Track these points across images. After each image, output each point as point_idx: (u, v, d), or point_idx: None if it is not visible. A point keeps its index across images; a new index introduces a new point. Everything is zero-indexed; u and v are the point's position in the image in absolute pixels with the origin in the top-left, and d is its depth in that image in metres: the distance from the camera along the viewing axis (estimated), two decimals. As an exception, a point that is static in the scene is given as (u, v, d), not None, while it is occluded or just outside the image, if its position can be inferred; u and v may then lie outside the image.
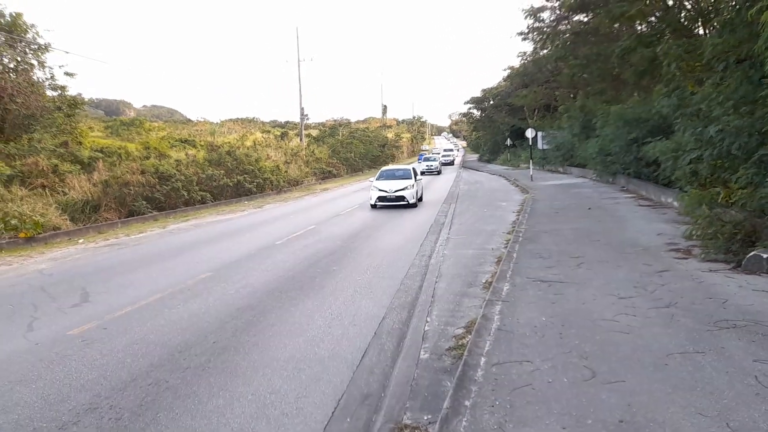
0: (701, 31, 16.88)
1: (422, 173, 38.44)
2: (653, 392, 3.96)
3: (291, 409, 4.32)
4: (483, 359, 4.77)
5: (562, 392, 4.04)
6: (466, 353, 4.93)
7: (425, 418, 4.03)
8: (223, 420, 4.17)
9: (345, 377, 4.92)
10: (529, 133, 31.62)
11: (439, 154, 66.04)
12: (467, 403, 3.97)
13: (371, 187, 20.10)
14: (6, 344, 6.20)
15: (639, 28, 19.11)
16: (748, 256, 7.39)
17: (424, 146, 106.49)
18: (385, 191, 19.38)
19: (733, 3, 11.01)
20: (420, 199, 21.11)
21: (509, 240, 10.98)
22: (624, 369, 4.39)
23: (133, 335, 6.29)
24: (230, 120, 72.32)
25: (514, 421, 3.65)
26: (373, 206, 19.45)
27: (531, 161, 32.66)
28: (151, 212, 19.98)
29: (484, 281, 7.97)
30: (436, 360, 5.14)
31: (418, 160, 54.54)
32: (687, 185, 11.20)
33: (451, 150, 76.15)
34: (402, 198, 19.29)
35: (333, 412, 4.26)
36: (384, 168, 23.72)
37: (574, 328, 5.44)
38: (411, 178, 20.31)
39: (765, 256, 7.14)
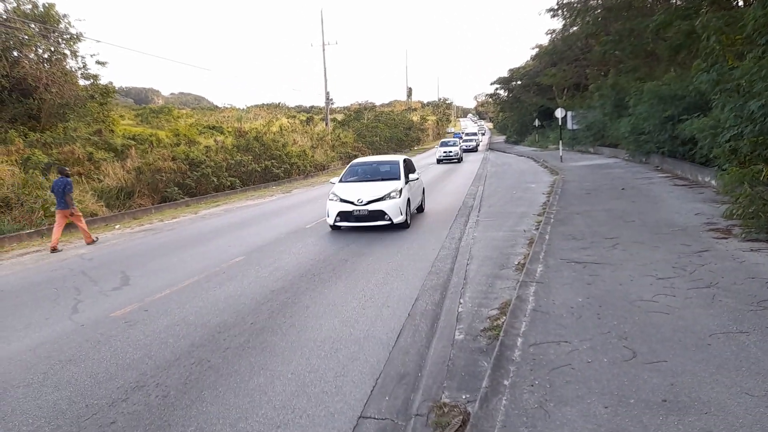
0: (740, 3, 16.23)
1: (439, 161, 36.73)
2: (696, 372, 3.90)
3: (330, 388, 4.40)
4: (520, 340, 4.76)
5: (602, 372, 4.01)
6: (502, 334, 4.92)
7: (464, 397, 4.06)
8: (265, 398, 4.28)
9: (381, 357, 4.97)
10: (559, 113, 30.99)
11: (460, 138, 55.41)
12: (506, 382, 3.98)
13: (330, 194, 12.19)
14: (54, 326, 6.45)
15: (674, 1, 18.48)
16: (792, 235, 7.15)
17: (450, 129, 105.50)
18: (351, 202, 11.59)
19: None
20: (420, 209, 14.19)
21: (540, 222, 10.85)
22: (665, 349, 4.33)
23: (173, 317, 6.46)
24: (256, 106, 72.96)
25: (554, 400, 3.64)
26: (333, 227, 12.02)
27: (561, 142, 32.07)
28: (182, 198, 20.37)
29: (516, 263, 7.91)
30: (471, 341, 5.15)
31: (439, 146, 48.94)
32: (726, 163, 10.85)
33: (474, 134, 65.44)
34: (377, 215, 11.48)
35: (371, 391, 4.32)
36: (356, 161, 14.56)
37: (612, 309, 5.37)
38: (398, 179, 12.49)
39: (811, 235, 6.90)
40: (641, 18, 20.50)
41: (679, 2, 17.94)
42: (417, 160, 39.77)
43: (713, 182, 13.30)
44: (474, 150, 53.29)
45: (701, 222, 9.43)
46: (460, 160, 37.67)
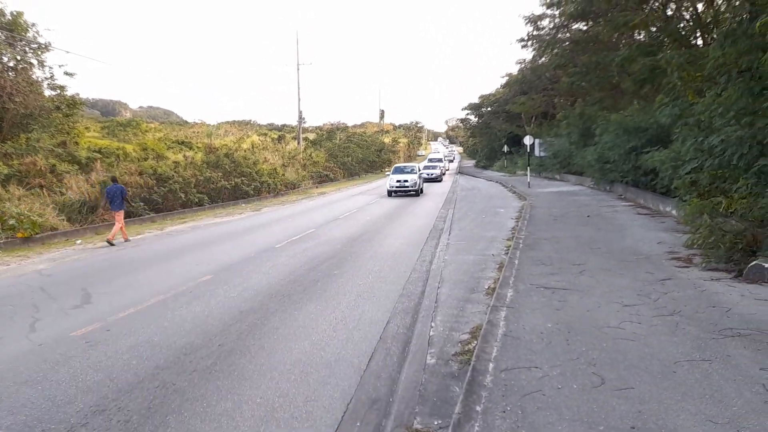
0: (699, 42, 17.07)
1: (390, 193, 28.00)
2: (663, 399, 3.98)
3: (300, 413, 4.32)
4: (491, 365, 4.79)
5: (573, 398, 4.06)
6: (473, 359, 4.94)
7: (435, 423, 4.04)
8: (233, 423, 4.16)
9: (353, 381, 4.91)
10: (527, 140, 31.77)
11: (421, 165, 39.79)
12: (478, 408, 3.98)
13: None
14: (9, 345, 6.16)
15: (638, 37, 19.31)
16: (749, 265, 7.44)
17: (420, 151, 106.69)
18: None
19: (734, 15, 11.14)
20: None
21: (510, 246, 11.01)
22: (632, 376, 4.41)
23: (137, 337, 6.26)
24: (227, 122, 72.48)
25: (526, 427, 3.66)
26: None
27: (528, 168, 32.80)
28: (148, 214, 19.92)
29: (486, 287, 7.98)
30: (443, 365, 5.14)
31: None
32: (686, 194, 11.28)
33: (439, 160, 49.95)
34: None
35: (342, 417, 4.26)
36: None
37: (581, 335, 5.46)
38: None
39: (766, 265, 7.20)
40: (607, 52, 21.31)
41: (642, 39, 18.73)
42: (364, 190, 36.62)
43: (674, 212, 13.78)
44: (437, 180, 40.55)
45: (664, 251, 9.73)
46: (418, 193, 28.29)
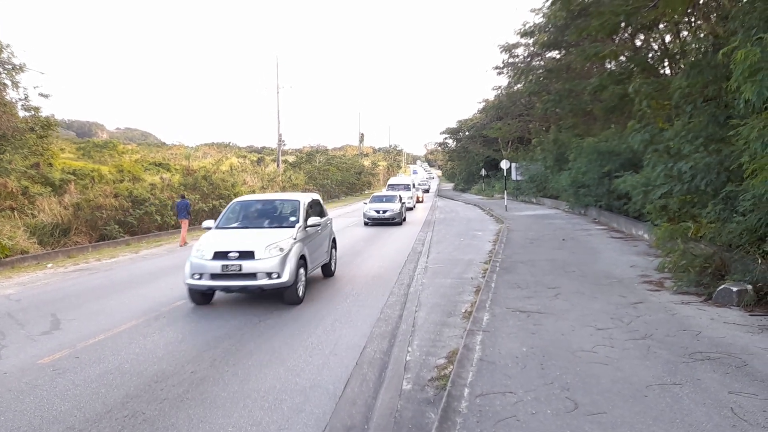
0: (668, 71, 17.69)
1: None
2: (634, 424, 4.02)
3: (273, 442, 4.24)
4: (467, 390, 4.78)
5: (546, 424, 4.07)
6: (449, 384, 4.93)
7: (410, 450, 4.01)
8: (204, 453, 4.07)
9: (327, 408, 4.86)
10: (504, 164, 32.26)
11: (408, 188, 37.02)
12: (453, 435, 3.96)
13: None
14: (-29, 373, 5.94)
15: (609, 66, 19.92)
16: (718, 289, 7.62)
17: (398, 175, 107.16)
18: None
19: (699, 46, 11.62)
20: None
21: (487, 270, 11.09)
22: (605, 400, 4.46)
23: (107, 364, 6.11)
24: (206, 144, 72.05)
25: (500, 454, 3.66)
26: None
27: (505, 192, 33.23)
28: (123, 236, 19.57)
29: (463, 311, 8.01)
30: (419, 391, 5.12)
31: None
32: (657, 219, 11.56)
33: (405, 187, 36.93)
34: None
35: (316, 445, 4.19)
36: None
37: (555, 359, 5.51)
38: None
39: (734, 289, 7.38)
40: (579, 80, 21.95)
41: (613, 68, 19.35)
42: (343, 212, 37.12)
43: (646, 236, 14.07)
44: (393, 220, 24.32)
45: (636, 274, 9.91)
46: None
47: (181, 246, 18.20)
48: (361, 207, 24.08)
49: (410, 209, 33.27)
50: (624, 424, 4.02)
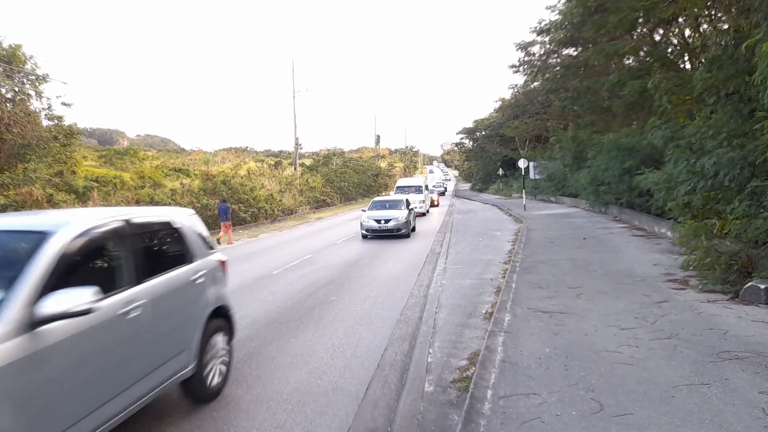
0: (688, 66, 17.39)
1: (366, 235, 19.38)
2: (662, 425, 3.96)
3: (297, 445, 4.26)
4: (489, 392, 4.75)
5: (571, 426, 4.03)
6: (471, 386, 4.91)
7: (434, 452, 3.99)
8: (229, 456, 4.10)
9: (350, 411, 4.87)
10: (522, 163, 32.03)
11: (420, 190, 32.26)
12: (477, 437, 3.94)
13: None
14: None
15: (628, 62, 19.67)
16: (745, 286, 7.46)
17: (411, 176, 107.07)
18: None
19: (720, 40, 11.39)
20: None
21: (506, 270, 11.01)
22: (631, 402, 4.39)
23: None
24: (224, 149, 72.94)
25: (525, 456, 3.62)
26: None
27: (524, 191, 32.98)
28: (145, 242, 19.89)
29: (484, 312, 7.97)
30: (441, 393, 5.11)
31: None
32: (680, 216, 11.35)
33: (417, 189, 32.23)
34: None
35: (340, 447, 4.21)
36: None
37: (578, 359, 5.44)
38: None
39: (762, 286, 7.22)
40: (597, 77, 21.69)
41: (632, 63, 19.10)
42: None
43: (669, 233, 13.84)
44: (398, 232, 19.51)
45: (660, 272, 9.75)
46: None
47: (229, 243, 20.22)
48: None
49: (423, 215, 29.45)
50: (651, 426, 3.96)
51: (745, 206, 8.77)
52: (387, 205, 21.07)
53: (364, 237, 19.51)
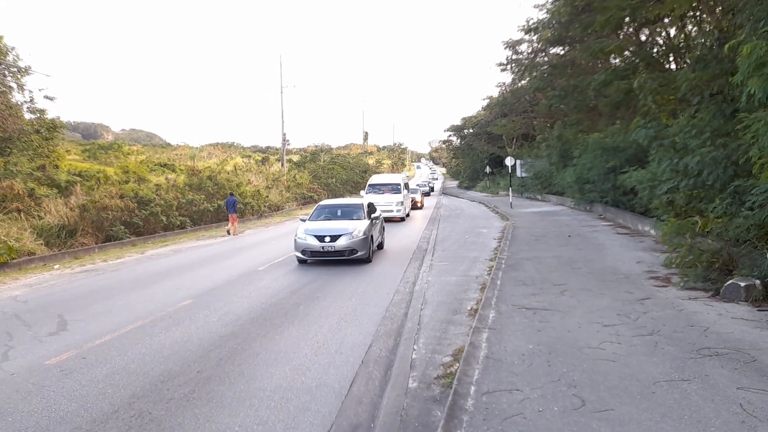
0: (673, 66, 17.56)
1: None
2: (642, 421, 3.99)
3: (279, 441, 4.23)
4: (473, 388, 4.76)
5: (553, 421, 4.05)
6: (455, 382, 4.91)
7: (417, 449, 3.99)
8: (210, 453, 4.06)
9: (333, 407, 4.85)
10: (509, 161, 32.17)
11: (397, 189, 26.21)
12: (459, 433, 3.95)
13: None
14: (-21, 375, 5.95)
15: (614, 61, 19.82)
16: (726, 284, 7.56)
17: (404, 173, 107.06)
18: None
19: (704, 40, 11.52)
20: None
21: (492, 267, 11.06)
22: (612, 397, 4.43)
23: (113, 365, 6.12)
24: (210, 144, 72.30)
25: (507, 452, 3.64)
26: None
27: (510, 189, 33.15)
28: (129, 237, 19.65)
29: (469, 308, 7.99)
30: (425, 389, 5.11)
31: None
32: (664, 214, 11.49)
33: (394, 188, 26.34)
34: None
35: (323, 444, 4.18)
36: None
37: (561, 356, 5.48)
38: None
39: (742, 284, 7.32)
40: (584, 76, 21.83)
41: (618, 63, 19.24)
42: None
43: (652, 231, 13.99)
44: (351, 254, 12.80)
45: (643, 270, 9.85)
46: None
47: (234, 235, 21.65)
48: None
49: (401, 220, 24.83)
50: (632, 421, 3.99)
51: (726, 205, 8.90)
52: (338, 213, 14.60)
53: (302, 262, 13.18)
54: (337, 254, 12.76)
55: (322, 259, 13.01)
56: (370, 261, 13.22)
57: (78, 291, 11.04)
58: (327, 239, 12.76)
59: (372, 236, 13.73)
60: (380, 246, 15.37)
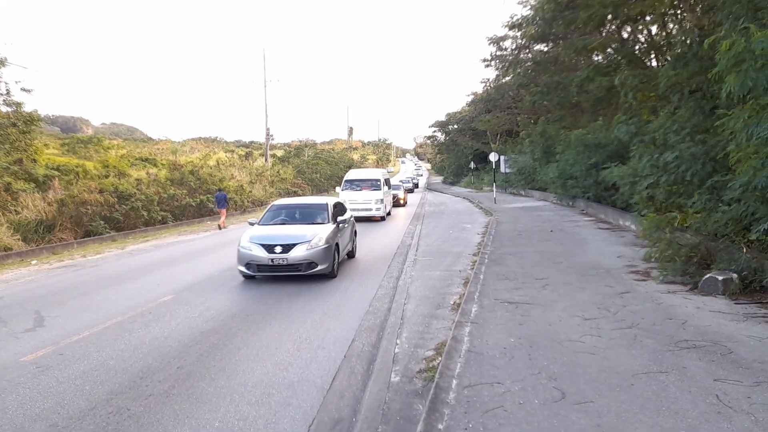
0: (654, 63, 17.76)
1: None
2: (621, 413, 4.04)
3: (260, 436, 4.20)
4: (455, 381, 4.78)
5: (534, 414, 4.07)
6: (437, 376, 4.92)
7: (398, 442, 3.99)
8: (189, 449, 4.02)
9: (315, 402, 4.83)
10: (493, 157, 32.31)
11: (377, 185, 23.86)
12: (440, 426, 3.95)
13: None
14: (-48, 372, 5.81)
15: (596, 58, 19.97)
16: (704, 278, 7.68)
17: (389, 168, 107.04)
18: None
19: (685, 38, 11.66)
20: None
21: (475, 262, 11.10)
22: (592, 390, 4.47)
23: (91, 361, 6.02)
24: (193, 139, 71.60)
25: (487, 444, 3.65)
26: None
27: (494, 184, 33.32)
28: (109, 233, 19.35)
29: (452, 303, 8.01)
30: (407, 383, 5.11)
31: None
32: (644, 209, 11.63)
33: (376, 183, 24.01)
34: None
35: (304, 439, 4.16)
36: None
37: (542, 349, 5.52)
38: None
39: (720, 278, 7.44)
40: (567, 72, 21.98)
41: (600, 60, 19.40)
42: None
43: (633, 226, 14.17)
44: (309, 263, 10.15)
45: (623, 264, 9.97)
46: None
47: (222, 228, 21.98)
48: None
49: (381, 219, 22.99)
50: (610, 413, 4.03)
51: (705, 200, 9.03)
52: (296, 215, 12.08)
53: (248, 278, 10.60)
54: (290, 269, 10.13)
55: (272, 274, 10.39)
56: (335, 276, 10.66)
57: (56, 287, 10.84)
58: (278, 249, 10.07)
59: (338, 244, 11.00)
60: (351, 254, 13.00)
